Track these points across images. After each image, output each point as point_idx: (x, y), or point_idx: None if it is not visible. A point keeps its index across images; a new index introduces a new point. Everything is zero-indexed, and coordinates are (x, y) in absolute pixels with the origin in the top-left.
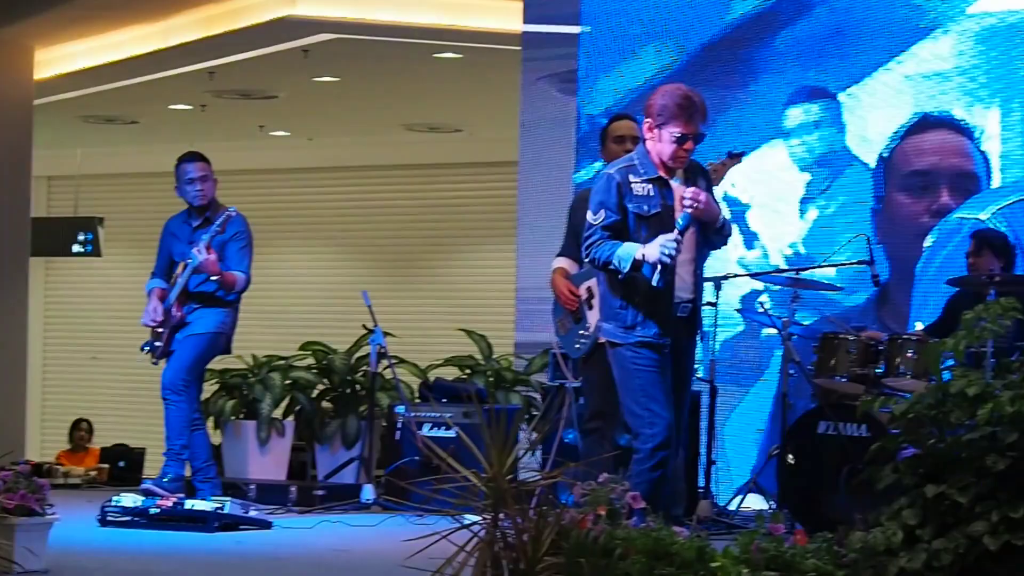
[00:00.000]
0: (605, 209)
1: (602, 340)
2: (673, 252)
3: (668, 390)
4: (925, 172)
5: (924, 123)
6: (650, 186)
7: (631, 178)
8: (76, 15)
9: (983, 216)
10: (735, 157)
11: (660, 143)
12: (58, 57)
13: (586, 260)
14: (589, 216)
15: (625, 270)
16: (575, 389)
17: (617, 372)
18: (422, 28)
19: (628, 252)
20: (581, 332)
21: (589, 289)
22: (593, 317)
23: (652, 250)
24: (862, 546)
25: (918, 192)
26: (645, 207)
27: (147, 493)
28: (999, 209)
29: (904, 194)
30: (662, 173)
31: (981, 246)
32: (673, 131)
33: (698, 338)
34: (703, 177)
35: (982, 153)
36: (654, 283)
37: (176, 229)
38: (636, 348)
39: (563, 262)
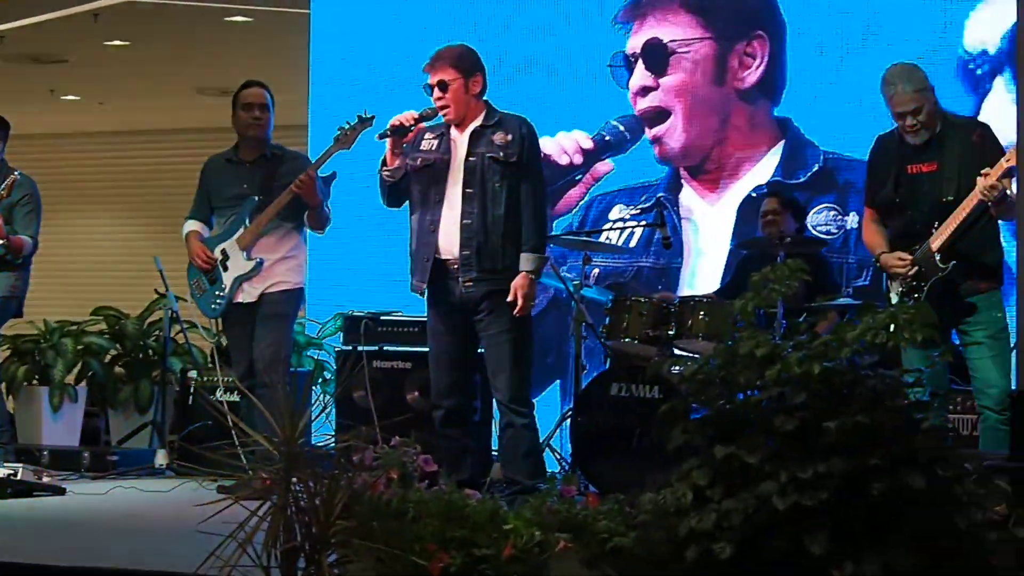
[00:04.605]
0: None
1: (238, 299)
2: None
3: (444, 353)
4: None
5: None
6: (435, 137)
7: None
8: None
9: None
10: (365, 121)
11: None
12: None
13: None
14: None
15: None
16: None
17: None
18: None
19: None
20: (217, 293)
21: (224, 251)
22: (229, 278)
23: None
24: (653, 507)
25: None
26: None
27: None
28: None
29: None
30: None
31: (785, 205)
32: None
33: (493, 300)
34: (502, 129)
35: None
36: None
37: None
38: (428, 303)
39: (194, 225)
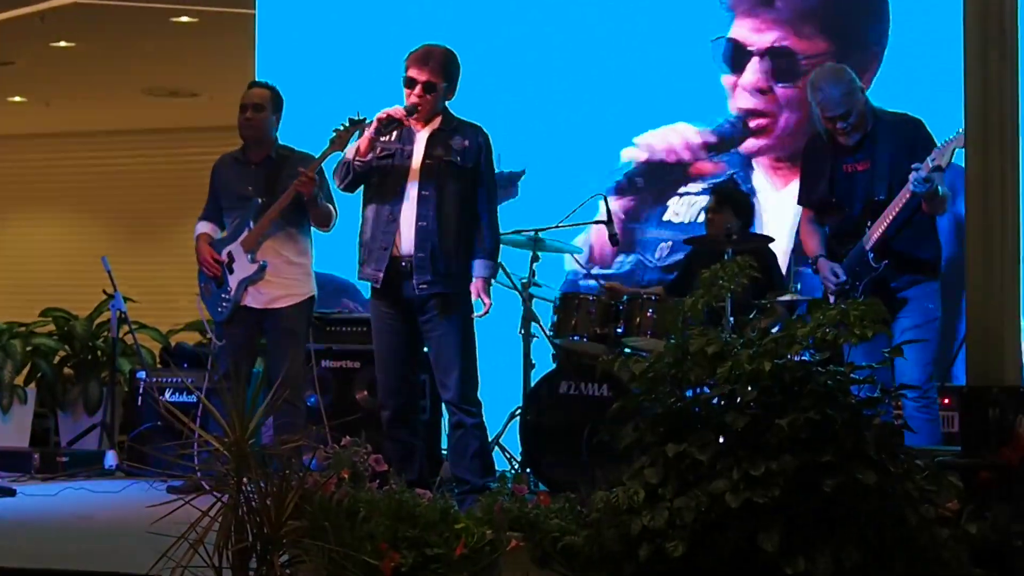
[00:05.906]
0: None
1: (244, 303)
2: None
3: (389, 353)
4: None
5: None
6: (395, 131)
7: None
8: None
9: None
10: (357, 123)
11: None
12: None
13: None
14: None
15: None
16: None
17: None
18: None
19: None
20: (223, 296)
21: (230, 254)
22: (234, 281)
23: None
24: (605, 505)
25: None
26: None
27: None
28: None
29: None
30: (409, 120)
31: (722, 203)
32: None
33: (442, 301)
34: (459, 135)
35: None
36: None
37: None
38: (373, 300)
39: (205, 227)
